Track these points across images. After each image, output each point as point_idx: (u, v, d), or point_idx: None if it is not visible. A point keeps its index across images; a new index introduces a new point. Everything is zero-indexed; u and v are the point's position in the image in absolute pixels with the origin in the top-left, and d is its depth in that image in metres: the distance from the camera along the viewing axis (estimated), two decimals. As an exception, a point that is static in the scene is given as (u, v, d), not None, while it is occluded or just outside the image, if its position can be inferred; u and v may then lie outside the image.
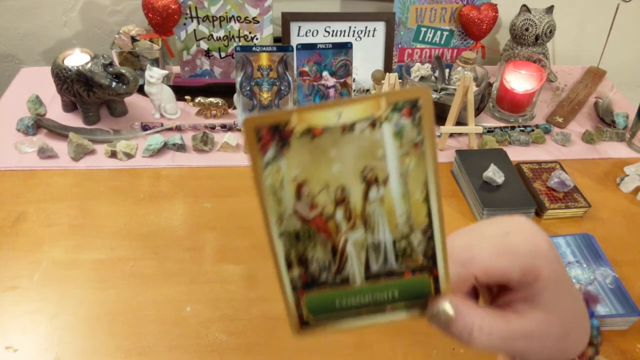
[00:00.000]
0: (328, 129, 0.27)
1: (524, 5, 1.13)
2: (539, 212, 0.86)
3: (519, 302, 0.33)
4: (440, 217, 0.30)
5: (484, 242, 0.32)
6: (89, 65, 0.95)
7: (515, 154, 0.98)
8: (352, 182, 0.28)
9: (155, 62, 1.10)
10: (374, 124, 0.27)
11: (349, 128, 0.27)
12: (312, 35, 1.10)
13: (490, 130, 1.03)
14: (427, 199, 0.29)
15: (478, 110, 1.05)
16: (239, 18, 1.09)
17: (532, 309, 0.33)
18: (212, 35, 1.11)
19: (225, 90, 1.06)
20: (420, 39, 1.17)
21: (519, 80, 1.03)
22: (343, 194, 0.29)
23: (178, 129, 1.01)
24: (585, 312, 0.37)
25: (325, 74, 0.95)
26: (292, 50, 0.92)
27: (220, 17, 1.09)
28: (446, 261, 0.31)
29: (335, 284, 0.31)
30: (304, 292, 0.31)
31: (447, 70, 1.14)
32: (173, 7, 1.04)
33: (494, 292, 0.36)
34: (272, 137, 0.27)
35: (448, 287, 0.32)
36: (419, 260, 0.31)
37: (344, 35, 1.11)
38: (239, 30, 1.10)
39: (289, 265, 0.31)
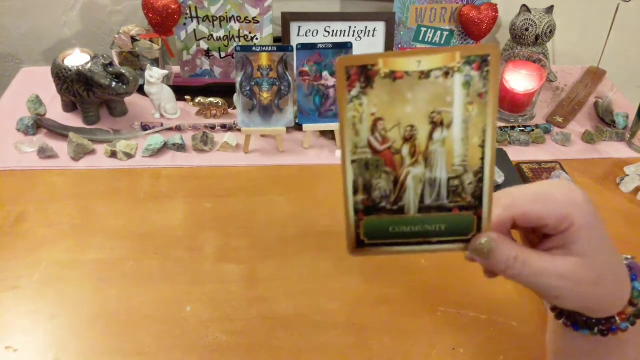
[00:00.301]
0: (408, 74, 0.31)
1: (524, 5, 1.13)
2: (539, 212, 0.86)
3: (555, 248, 0.36)
4: (492, 163, 0.34)
5: (524, 190, 0.37)
6: (89, 65, 0.95)
7: (515, 153, 0.98)
8: (421, 122, 0.33)
9: (155, 62, 1.10)
10: (447, 73, 0.31)
11: (425, 75, 0.31)
12: (312, 35, 1.10)
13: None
14: (482, 145, 0.33)
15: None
16: (239, 18, 1.09)
17: (566, 253, 0.36)
18: (212, 35, 1.11)
19: (225, 90, 1.06)
20: (420, 39, 1.17)
21: (519, 80, 1.03)
22: (412, 132, 0.33)
23: (178, 129, 1.01)
24: (622, 266, 0.39)
25: (325, 73, 0.95)
26: (292, 50, 0.92)
27: (220, 17, 1.09)
28: (491, 203, 0.35)
29: (392, 212, 0.35)
30: (364, 216, 0.35)
31: (447, 70, 1.14)
32: (173, 7, 1.04)
33: (535, 244, 0.39)
34: (359, 76, 0.32)
35: (489, 226, 0.35)
36: (468, 199, 0.35)
37: (344, 35, 1.11)
38: (239, 30, 1.10)
39: (355, 190, 0.35)
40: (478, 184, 0.34)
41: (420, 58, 0.31)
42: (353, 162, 0.34)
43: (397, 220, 0.35)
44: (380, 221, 0.35)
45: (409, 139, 0.33)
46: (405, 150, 0.33)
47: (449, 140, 0.33)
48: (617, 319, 0.38)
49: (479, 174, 0.34)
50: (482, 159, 0.33)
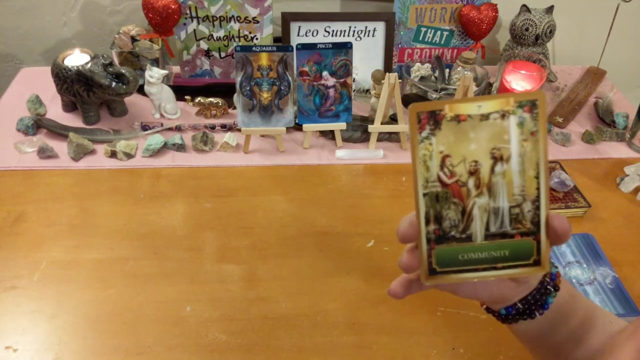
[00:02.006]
0: (470, 117, 0.37)
1: (524, 5, 1.13)
2: (539, 212, 0.86)
3: None
4: (546, 191, 0.38)
5: None
6: (89, 65, 0.95)
7: (515, 154, 0.98)
8: (483, 158, 0.37)
9: (155, 62, 1.10)
10: (503, 115, 0.36)
11: (485, 117, 0.37)
12: (312, 35, 1.10)
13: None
14: (537, 176, 0.37)
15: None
16: (239, 18, 1.09)
17: None
18: (212, 35, 1.11)
19: (225, 90, 1.06)
20: (420, 39, 1.17)
21: (519, 80, 1.03)
22: (476, 166, 0.37)
23: (178, 129, 1.01)
24: None
25: (325, 73, 0.95)
26: (292, 50, 0.92)
27: (220, 17, 1.09)
28: (547, 228, 0.38)
29: (461, 240, 0.39)
30: (436, 245, 0.39)
31: (447, 70, 1.14)
32: (173, 7, 1.04)
33: None
34: (428, 119, 0.37)
35: (547, 250, 0.39)
36: (527, 225, 0.38)
37: (344, 35, 1.11)
38: (239, 30, 1.10)
39: (427, 221, 0.39)
40: (535, 211, 0.38)
41: (480, 103, 0.36)
42: (424, 195, 0.38)
43: (465, 247, 0.39)
44: (451, 249, 0.39)
45: (474, 172, 0.37)
46: (471, 182, 0.38)
47: (508, 172, 0.37)
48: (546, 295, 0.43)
49: (536, 202, 0.38)
50: (538, 188, 0.37)
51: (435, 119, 0.37)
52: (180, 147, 0.96)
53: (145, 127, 1.01)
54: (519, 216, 0.38)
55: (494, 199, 0.38)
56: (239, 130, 0.97)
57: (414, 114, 0.37)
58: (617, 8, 1.14)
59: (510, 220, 0.38)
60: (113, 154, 0.94)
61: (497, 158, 0.37)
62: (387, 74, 0.92)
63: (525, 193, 0.38)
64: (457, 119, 0.37)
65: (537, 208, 0.38)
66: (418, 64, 1.14)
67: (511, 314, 0.44)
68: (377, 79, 1.00)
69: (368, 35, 1.11)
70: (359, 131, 1.01)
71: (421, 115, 0.37)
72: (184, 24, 1.09)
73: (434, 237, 0.39)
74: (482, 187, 0.38)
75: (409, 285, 0.43)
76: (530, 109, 0.36)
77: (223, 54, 1.14)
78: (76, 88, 0.96)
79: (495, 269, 0.39)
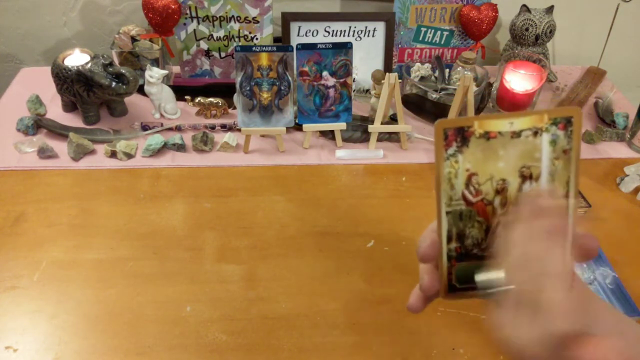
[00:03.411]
0: (501, 134, 0.35)
1: (524, 5, 1.13)
2: (539, 212, 0.86)
3: None
4: (575, 210, 0.36)
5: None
6: (89, 65, 0.95)
7: (515, 154, 0.98)
8: (512, 176, 0.36)
9: (155, 62, 1.10)
10: (536, 132, 0.35)
11: (517, 134, 0.35)
12: (312, 35, 1.10)
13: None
14: (567, 195, 0.36)
15: (478, 111, 1.05)
16: (239, 18, 1.09)
17: None
18: (212, 35, 1.11)
19: (225, 90, 1.06)
20: (420, 39, 1.17)
21: (519, 80, 1.03)
22: (503, 185, 0.36)
23: (178, 129, 1.01)
24: None
25: (325, 74, 0.95)
26: (292, 50, 0.92)
27: (220, 17, 1.09)
28: (573, 248, 0.36)
29: (483, 258, 0.37)
30: (456, 262, 0.38)
31: (447, 70, 1.14)
32: (173, 7, 1.04)
33: None
34: (455, 136, 0.35)
35: (573, 266, 0.36)
36: None
37: (344, 35, 1.11)
38: (239, 30, 1.10)
39: (449, 239, 0.37)
40: None
41: (512, 120, 0.35)
42: (448, 213, 0.37)
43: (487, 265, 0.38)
44: (471, 267, 0.38)
45: (501, 191, 0.36)
46: (497, 201, 0.36)
47: None
48: None
49: None
50: (567, 208, 0.36)
51: (463, 136, 0.35)
52: (180, 147, 0.96)
53: (145, 127, 1.01)
54: None
55: None
56: (239, 130, 0.97)
57: (440, 130, 0.35)
58: (617, 8, 1.14)
59: None
60: (113, 154, 0.94)
61: (526, 176, 0.36)
62: (387, 74, 0.92)
63: None
64: (487, 136, 0.35)
65: None
66: (418, 64, 1.14)
67: None
68: (377, 79, 1.00)
69: (368, 35, 1.11)
70: (359, 131, 1.01)
71: (448, 132, 0.35)
72: (184, 24, 1.09)
73: (455, 254, 0.38)
74: (508, 205, 0.36)
75: (426, 299, 0.42)
76: (564, 126, 0.35)
77: (223, 54, 1.14)
78: (76, 88, 0.96)
79: None
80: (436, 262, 0.39)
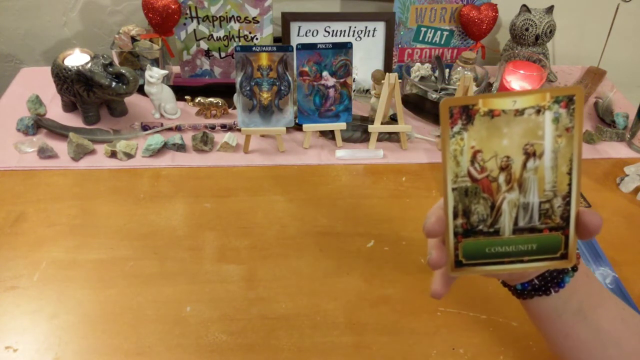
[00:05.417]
0: (505, 112, 0.36)
1: (524, 5, 1.13)
2: (539, 212, 0.86)
3: None
4: (578, 188, 0.38)
5: None
6: (89, 65, 0.95)
7: (515, 154, 0.98)
8: (516, 153, 0.37)
9: (155, 62, 1.10)
10: (538, 110, 0.36)
11: (520, 112, 0.36)
12: (312, 35, 1.10)
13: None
14: (570, 172, 0.37)
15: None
16: (239, 18, 1.09)
17: None
18: (212, 35, 1.11)
19: (225, 90, 1.06)
20: (420, 39, 1.17)
21: (519, 80, 1.03)
22: (508, 162, 0.37)
23: (178, 129, 1.01)
24: None
25: (325, 74, 0.95)
26: (292, 50, 0.92)
27: (220, 17, 1.09)
28: (576, 223, 0.39)
29: (488, 234, 0.39)
30: (462, 238, 0.39)
31: (447, 70, 1.14)
32: (173, 7, 1.04)
33: None
34: (461, 114, 0.36)
35: (575, 244, 0.39)
36: (557, 220, 0.38)
37: (344, 35, 1.11)
38: (239, 30, 1.10)
39: (455, 215, 0.39)
40: (566, 207, 0.38)
41: (515, 98, 0.36)
42: (454, 189, 0.38)
43: (492, 241, 0.39)
44: (478, 243, 0.39)
45: (505, 168, 0.37)
46: (502, 178, 0.38)
47: (540, 168, 0.37)
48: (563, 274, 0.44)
49: (567, 197, 0.38)
50: (570, 184, 0.37)
51: (468, 114, 0.36)
52: (180, 147, 0.96)
53: (145, 127, 1.01)
54: (548, 211, 0.38)
55: (524, 195, 0.38)
56: (239, 130, 0.97)
57: (445, 108, 0.36)
58: (617, 8, 1.14)
59: (539, 215, 0.38)
60: (113, 154, 0.94)
61: (530, 154, 0.37)
62: (387, 74, 0.92)
63: (557, 189, 0.38)
64: (491, 114, 0.36)
65: (568, 204, 0.38)
66: (418, 64, 1.14)
67: (527, 290, 0.45)
68: (377, 79, 1.00)
69: (368, 35, 1.11)
70: (359, 131, 1.01)
71: (453, 110, 0.36)
72: (184, 24, 1.09)
73: (461, 230, 0.39)
74: (512, 182, 0.38)
75: (447, 281, 0.43)
76: (566, 105, 0.36)
77: (223, 54, 1.14)
78: (76, 88, 0.96)
79: (522, 262, 0.39)
80: (443, 237, 0.40)
